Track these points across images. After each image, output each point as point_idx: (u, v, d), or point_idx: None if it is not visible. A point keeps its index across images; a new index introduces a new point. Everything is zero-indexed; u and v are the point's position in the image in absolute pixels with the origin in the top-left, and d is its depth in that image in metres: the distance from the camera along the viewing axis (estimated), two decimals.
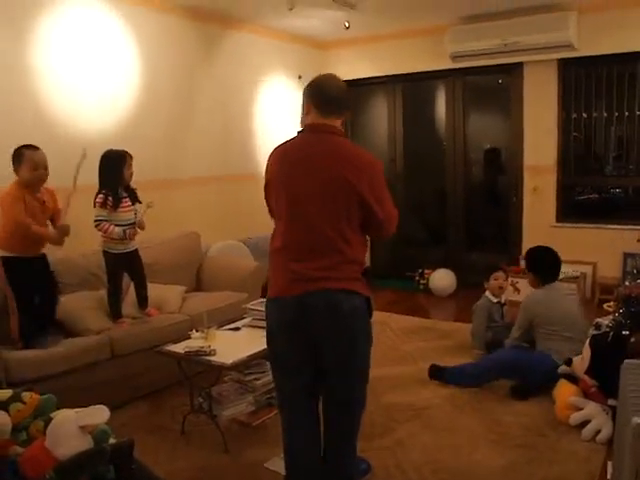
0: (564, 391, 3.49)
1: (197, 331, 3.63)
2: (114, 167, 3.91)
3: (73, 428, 1.83)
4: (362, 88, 7.54)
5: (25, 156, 3.53)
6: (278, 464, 3.05)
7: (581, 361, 3.46)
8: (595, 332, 3.66)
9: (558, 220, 6.33)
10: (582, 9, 5.64)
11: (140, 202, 4.07)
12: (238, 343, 3.52)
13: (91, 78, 4.65)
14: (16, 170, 3.56)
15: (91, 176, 3.92)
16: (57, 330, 3.79)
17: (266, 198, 2.56)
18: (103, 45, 4.74)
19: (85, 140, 4.53)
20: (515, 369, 3.88)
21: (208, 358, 3.27)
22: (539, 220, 6.38)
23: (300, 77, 6.77)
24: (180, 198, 5.44)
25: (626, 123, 6.03)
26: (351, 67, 7.15)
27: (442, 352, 4.68)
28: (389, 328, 5.35)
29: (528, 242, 6.32)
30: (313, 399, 2.56)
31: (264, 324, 3.51)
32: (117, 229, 3.90)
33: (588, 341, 3.50)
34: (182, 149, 5.51)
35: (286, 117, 6.69)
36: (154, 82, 5.18)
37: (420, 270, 6.87)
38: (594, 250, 6.04)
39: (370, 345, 2.47)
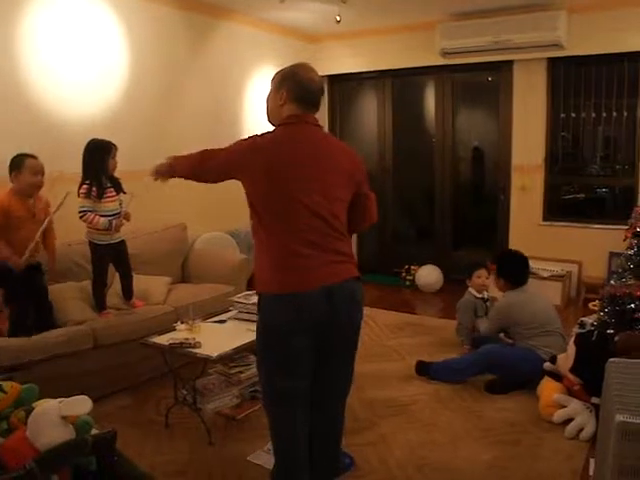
0: (548, 388, 3.51)
1: (182, 323, 3.60)
2: (98, 157, 3.87)
3: (55, 418, 1.81)
4: (351, 83, 7.54)
5: (26, 163, 3.58)
6: (262, 457, 3.05)
7: (565, 359, 3.48)
8: (580, 331, 3.68)
9: (545, 219, 6.36)
10: (572, 9, 5.65)
11: (125, 192, 4.03)
12: (223, 336, 3.50)
13: (78, 66, 4.58)
14: (15, 177, 3.60)
15: (76, 165, 3.89)
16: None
17: (254, 192, 2.41)
18: (91, 33, 4.66)
19: (70, 128, 4.51)
20: (500, 364, 3.89)
21: (193, 350, 3.26)
22: (526, 218, 6.40)
23: None
24: (166, 189, 5.37)
25: (614, 123, 6.06)
26: (341, 61, 7.14)
27: (428, 348, 4.68)
28: (375, 323, 5.34)
29: (515, 240, 6.37)
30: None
31: (250, 317, 3.52)
32: (102, 220, 3.86)
33: (573, 339, 3.52)
34: (169, 139, 5.45)
35: None
36: (142, 71, 5.13)
37: (407, 266, 6.88)
38: (580, 249, 6.08)
39: None
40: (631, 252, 4.02)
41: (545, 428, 3.36)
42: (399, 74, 7.06)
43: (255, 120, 6.32)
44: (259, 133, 2.46)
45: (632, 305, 3.74)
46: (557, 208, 6.42)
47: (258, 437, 3.22)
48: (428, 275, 6.65)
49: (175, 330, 3.55)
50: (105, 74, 4.82)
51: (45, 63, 4.36)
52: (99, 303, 4.05)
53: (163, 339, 3.40)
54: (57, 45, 4.42)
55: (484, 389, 3.87)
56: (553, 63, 6.10)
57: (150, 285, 4.46)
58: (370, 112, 7.53)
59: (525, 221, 6.40)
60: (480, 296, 4.62)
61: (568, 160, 6.40)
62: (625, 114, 5.95)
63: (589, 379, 3.29)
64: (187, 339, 3.34)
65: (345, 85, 7.60)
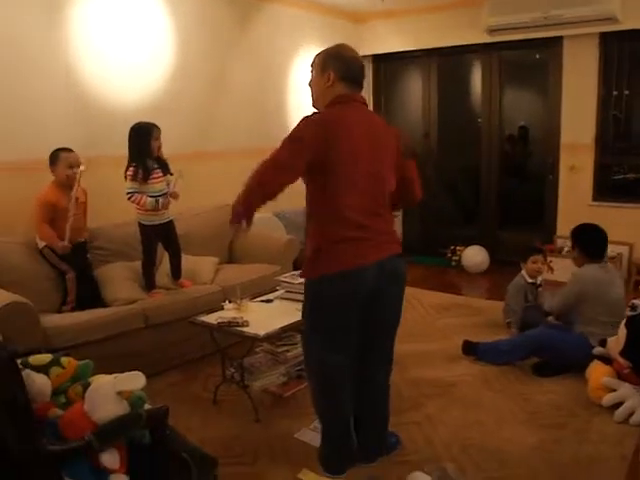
0: (597, 371, 3.45)
1: (230, 302, 3.66)
2: (141, 140, 3.94)
3: (110, 393, 1.88)
4: (397, 62, 7.46)
5: (60, 157, 3.81)
6: (308, 435, 3.10)
7: (616, 342, 3.42)
8: (631, 313, 3.60)
9: (594, 199, 6.21)
10: None
11: (172, 174, 4.09)
12: (270, 315, 3.54)
13: (125, 51, 4.65)
14: (53, 171, 3.83)
15: (120, 148, 4.00)
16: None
17: (316, 165, 2.41)
18: (137, 17, 4.73)
19: (117, 111, 4.59)
20: (550, 348, 3.80)
21: (241, 329, 3.30)
22: (575, 199, 6.26)
23: None
24: (212, 170, 5.45)
25: None
26: (386, 41, 7.06)
27: (473, 329, 4.66)
28: (420, 304, 5.34)
29: (563, 221, 6.24)
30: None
31: (296, 297, 3.56)
32: (149, 199, 3.94)
33: (624, 322, 3.44)
34: (215, 121, 5.51)
35: None
36: (188, 55, 5.17)
37: (452, 247, 6.83)
38: (631, 230, 5.92)
39: None
40: None
41: (593, 412, 3.30)
42: (444, 53, 6.96)
43: (299, 103, 6.31)
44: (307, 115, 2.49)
45: None
46: (607, 188, 6.25)
47: (304, 415, 3.27)
48: (474, 256, 6.59)
49: (223, 309, 3.60)
50: (152, 58, 4.88)
51: (93, 48, 4.43)
52: (149, 283, 4.15)
53: (212, 318, 3.46)
54: (105, 30, 4.49)
55: (532, 371, 3.81)
56: (606, 38, 5.90)
57: (198, 265, 4.54)
58: (415, 91, 7.45)
59: (574, 201, 6.26)
60: (532, 281, 4.55)
61: (619, 139, 6.21)
62: None
63: None
64: (235, 318, 3.39)
65: (390, 64, 7.52)
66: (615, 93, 6.08)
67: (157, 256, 4.24)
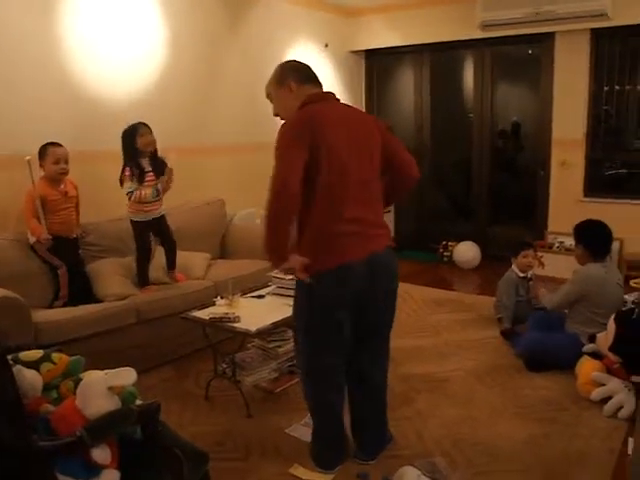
0: (587, 366, 3.47)
1: (222, 298, 3.66)
2: (129, 140, 3.96)
3: (102, 389, 1.88)
4: (389, 57, 7.46)
5: (48, 152, 3.81)
6: (299, 430, 3.11)
7: (605, 337, 3.44)
8: (620, 308, 3.62)
9: (585, 195, 6.24)
10: None
11: (168, 166, 4.08)
12: (262, 311, 3.55)
13: (116, 44, 4.63)
14: (41, 165, 3.83)
15: (112, 143, 4.00)
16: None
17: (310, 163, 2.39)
18: (130, 13, 4.71)
19: (110, 106, 4.57)
20: (543, 352, 3.80)
21: (232, 325, 3.31)
22: (566, 194, 6.29)
23: (326, 45, 6.68)
24: (205, 165, 5.44)
25: None
26: (378, 35, 7.06)
27: (465, 324, 4.68)
28: (412, 299, 5.35)
29: (554, 216, 6.28)
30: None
31: (288, 292, 3.56)
32: (148, 190, 3.97)
33: (613, 317, 3.46)
34: (207, 116, 5.50)
35: None
36: (180, 50, 5.16)
37: (444, 242, 6.85)
38: (621, 226, 5.91)
39: None
40: None
41: (583, 406, 3.33)
42: (437, 48, 6.96)
43: None
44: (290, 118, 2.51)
45: None
46: (598, 184, 6.28)
47: (295, 410, 3.28)
48: (466, 251, 6.62)
49: (215, 305, 3.61)
50: (144, 53, 4.87)
51: (84, 43, 4.41)
52: (142, 279, 4.14)
53: (204, 313, 3.47)
54: (97, 25, 4.47)
55: (524, 366, 3.84)
56: (597, 34, 5.93)
57: (190, 261, 4.53)
58: (407, 87, 7.45)
59: (565, 197, 6.29)
60: (523, 275, 4.57)
61: (610, 135, 6.24)
62: None
63: (629, 357, 3.26)
64: (227, 314, 3.39)
65: (382, 59, 7.52)
66: (606, 88, 6.11)
67: (152, 252, 4.23)
